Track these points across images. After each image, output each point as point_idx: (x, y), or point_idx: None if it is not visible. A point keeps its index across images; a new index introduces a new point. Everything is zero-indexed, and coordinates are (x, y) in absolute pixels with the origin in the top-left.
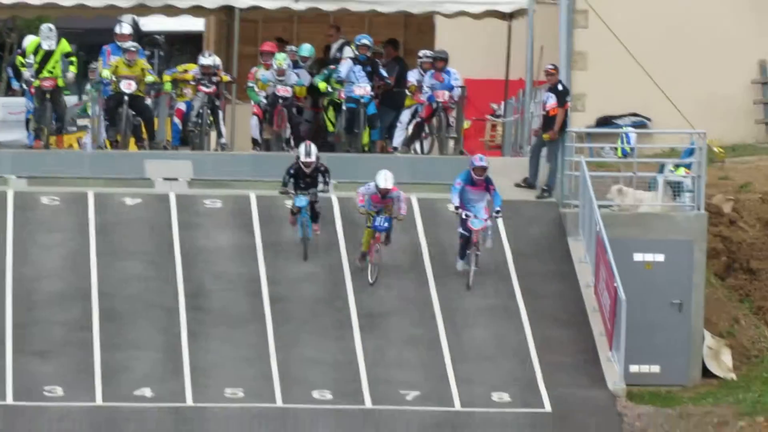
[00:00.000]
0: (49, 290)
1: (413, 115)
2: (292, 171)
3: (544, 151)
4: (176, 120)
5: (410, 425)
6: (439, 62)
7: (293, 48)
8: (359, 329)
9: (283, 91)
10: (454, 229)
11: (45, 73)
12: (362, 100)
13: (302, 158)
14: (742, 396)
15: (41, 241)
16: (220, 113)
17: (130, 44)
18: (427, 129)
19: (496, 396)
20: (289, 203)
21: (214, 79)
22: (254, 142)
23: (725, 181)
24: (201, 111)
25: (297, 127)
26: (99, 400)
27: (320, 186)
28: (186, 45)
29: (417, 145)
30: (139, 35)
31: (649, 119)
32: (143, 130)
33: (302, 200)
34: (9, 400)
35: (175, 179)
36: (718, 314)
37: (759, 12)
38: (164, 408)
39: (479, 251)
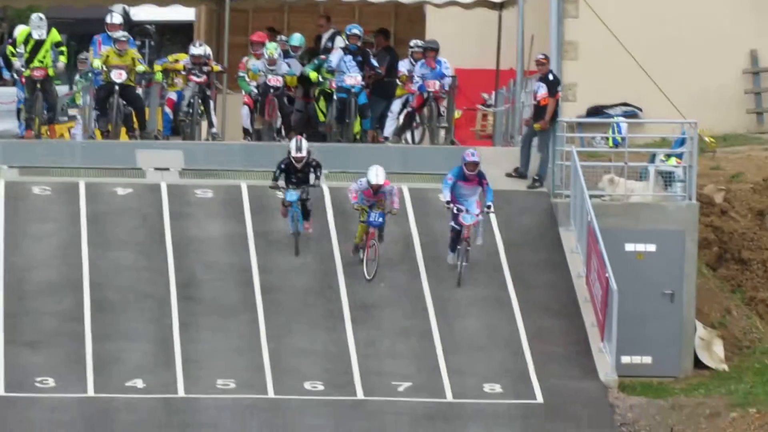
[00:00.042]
0: (41, 280)
1: (404, 105)
2: (283, 166)
3: (535, 141)
4: (167, 110)
5: (402, 416)
6: (430, 52)
7: (283, 38)
8: (351, 320)
9: (274, 81)
10: (445, 219)
11: (35, 63)
12: (353, 90)
13: (293, 153)
14: (734, 387)
15: (32, 231)
16: (211, 103)
17: (120, 34)
18: (418, 119)
19: (487, 387)
20: (280, 195)
21: (205, 68)
22: (245, 131)
23: (716, 171)
24: (192, 101)
25: (288, 116)
26: (91, 391)
27: (312, 180)
28: (177, 35)
29: (408, 135)
30: (129, 25)
31: (640, 109)
32: (134, 119)
33: (293, 195)
34: (0, 391)
35: (167, 169)
36: (710, 305)
37: (750, 2)
38: (156, 399)
39: (470, 247)
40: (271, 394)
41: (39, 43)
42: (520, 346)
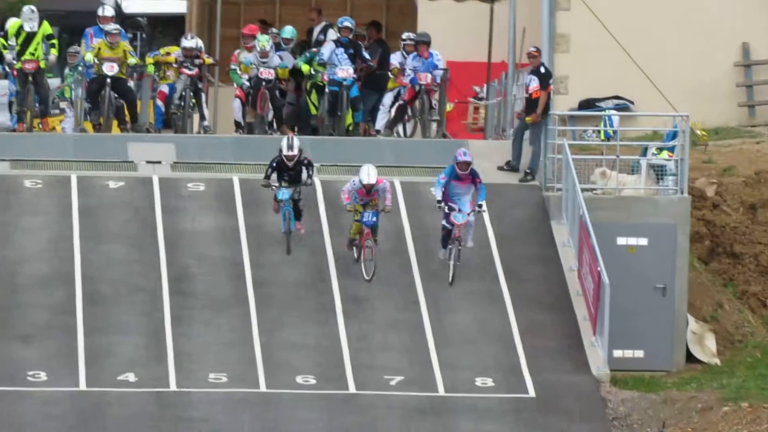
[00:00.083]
0: (32, 274)
1: (396, 98)
2: (274, 164)
3: (527, 134)
4: (159, 102)
5: (394, 410)
6: (422, 45)
7: (274, 30)
8: (343, 314)
9: (266, 74)
10: (437, 212)
11: (27, 56)
12: (345, 83)
13: (284, 152)
14: (726, 381)
15: (24, 225)
16: (203, 96)
17: (112, 26)
18: (409, 112)
19: (479, 381)
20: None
21: (197, 61)
22: (237, 124)
23: (708, 164)
24: (184, 93)
25: (279, 110)
26: (83, 385)
27: (304, 179)
28: (168, 27)
29: (400, 128)
30: (121, 17)
31: (631, 102)
32: (126, 112)
33: (285, 193)
34: None
35: (158, 162)
36: (702, 299)
37: None
38: (148, 393)
39: (462, 246)
40: (263, 388)
41: (30, 36)
42: (512, 340)
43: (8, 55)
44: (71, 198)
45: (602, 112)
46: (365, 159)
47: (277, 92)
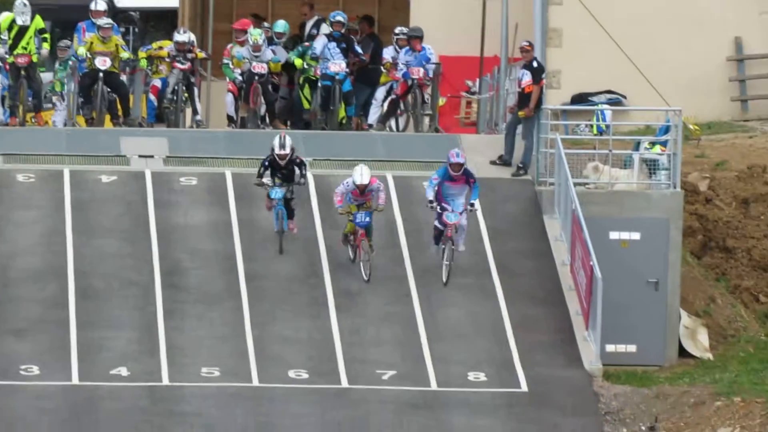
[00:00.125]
0: (25, 268)
1: (388, 92)
2: (266, 163)
3: (520, 129)
4: (151, 97)
5: (386, 405)
6: (415, 40)
7: (266, 24)
8: (335, 308)
9: (259, 68)
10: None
11: (19, 50)
12: (337, 77)
13: (276, 150)
14: (718, 376)
15: (17, 219)
16: (196, 90)
17: (104, 21)
18: (402, 106)
19: (472, 375)
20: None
21: (189, 55)
22: (229, 119)
23: (701, 158)
24: (176, 88)
25: (272, 104)
26: (75, 379)
27: (297, 178)
28: (161, 21)
29: (392, 122)
30: (114, 11)
31: (624, 96)
32: (118, 106)
33: (278, 192)
34: None
35: (151, 156)
36: (695, 293)
37: None
38: (140, 387)
39: (454, 245)
40: (255, 382)
41: (23, 30)
42: (505, 334)
43: (0, 50)
44: (64, 192)
45: (595, 107)
46: (358, 153)
47: (269, 87)
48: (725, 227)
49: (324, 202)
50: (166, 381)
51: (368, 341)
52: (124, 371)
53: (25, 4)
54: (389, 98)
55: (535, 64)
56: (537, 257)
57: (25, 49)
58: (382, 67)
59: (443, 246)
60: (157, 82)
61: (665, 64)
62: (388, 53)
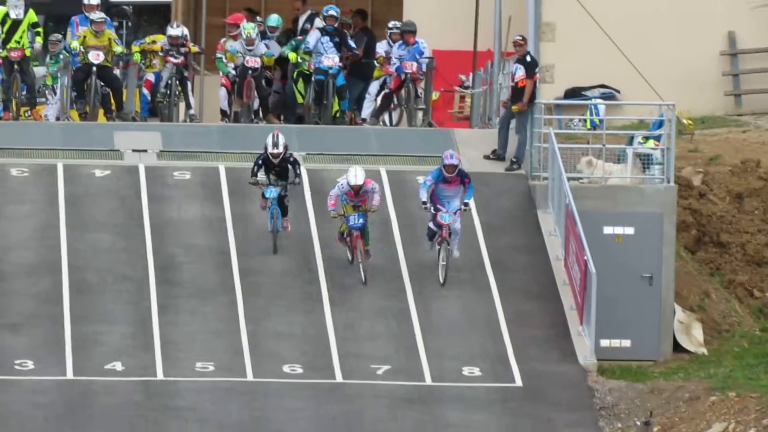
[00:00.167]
0: (19, 262)
1: (382, 87)
2: (260, 161)
3: (513, 123)
4: (145, 91)
5: (380, 399)
6: (408, 34)
7: (259, 18)
8: (329, 303)
9: (253, 62)
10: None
11: (12, 44)
12: (331, 71)
13: (270, 149)
14: (713, 371)
15: (10, 213)
16: (189, 84)
17: (98, 15)
18: (395, 100)
19: (466, 370)
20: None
21: (183, 49)
22: (223, 113)
23: (695, 153)
24: (169, 82)
25: (266, 98)
26: (70, 374)
27: (291, 178)
28: (154, 15)
29: (386, 117)
30: (107, 5)
31: (617, 91)
32: (112, 101)
33: (273, 192)
34: None
35: (144, 151)
36: (689, 288)
37: None
38: (135, 382)
39: (450, 245)
40: (250, 377)
41: (16, 24)
42: (499, 329)
43: None
44: (57, 186)
45: (588, 101)
46: (351, 148)
47: (263, 81)
48: (719, 222)
49: (317, 197)
50: (160, 376)
51: (362, 336)
52: (118, 366)
53: None
54: (382, 92)
55: (528, 58)
56: (531, 252)
57: (18, 43)
58: (375, 62)
59: (439, 247)
60: (151, 77)
61: (659, 58)
62: (381, 47)
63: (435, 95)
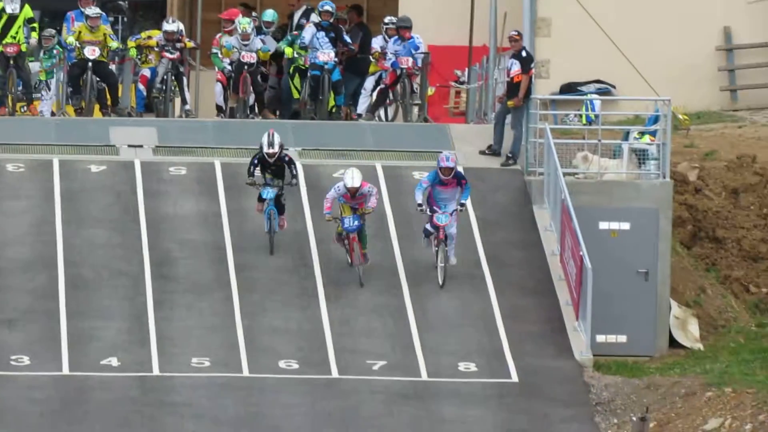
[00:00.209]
0: (14, 258)
1: (377, 82)
2: (256, 161)
3: (509, 119)
4: (140, 86)
5: (376, 395)
6: (403, 29)
7: (254, 14)
8: (325, 298)
9: (248, 58)
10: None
11: (8, 39)
12: (326, 67)
13: (265, 149)
14: (709, 366)
15: (6, 209)
16: (185, 80)
17: (93, 10)
18: (391, 96)
19: (462, 366)
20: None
21: (178, 45)
22: (219, 108)
23: (690, 148)
24: (165, 77)
25: (261, 94)
26: (65, 370)
27: (288, 179)
28: (149, 11)
29: (381, 112)
30: (102, 1)
31: (613, 86)
32: (107, 96)
33: (269, 192)
34: None
35: (140, 146)
36: (685, 283)
37: None
38: (131, 377)
39: (447, 247)
40: (245, 372)
41: (12, 19)
42: (495, 324)
43: None
44: (53, 182)
45: (584, 97)
46: (347, 143)
47: (258, 76)
48: (715, 217)
49: (313, 193)
50: (156, 371)
51: (358, 332)
52: (114, 361)
53: None
54: (378, 88)
55: (524, 53)
56: (527, 247)
57: (14, 38)
58: (371, 57)
59: (436, 249)
60: (146, 72)
61: (654, 53)
62: (377, 43)
63: (430, 90)
